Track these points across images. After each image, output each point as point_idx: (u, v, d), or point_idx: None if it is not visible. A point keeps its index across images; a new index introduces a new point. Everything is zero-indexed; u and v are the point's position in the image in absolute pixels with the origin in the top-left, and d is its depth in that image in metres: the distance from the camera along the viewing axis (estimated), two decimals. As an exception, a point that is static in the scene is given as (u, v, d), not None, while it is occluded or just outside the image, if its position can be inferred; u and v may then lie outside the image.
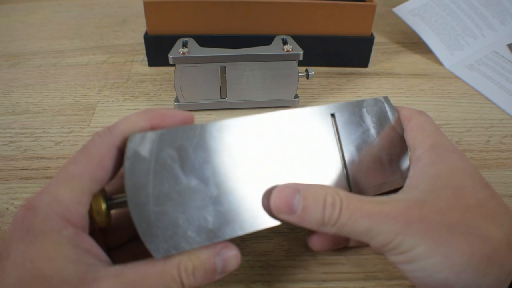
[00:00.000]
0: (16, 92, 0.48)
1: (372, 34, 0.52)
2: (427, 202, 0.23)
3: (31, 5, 0.74)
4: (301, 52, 0.42)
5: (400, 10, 0.60)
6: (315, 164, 0.26)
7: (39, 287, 0.19)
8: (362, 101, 0.29)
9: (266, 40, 0.46)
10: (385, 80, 0.52)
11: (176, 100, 0.44)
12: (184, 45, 0.43)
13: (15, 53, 0.57)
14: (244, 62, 0.42)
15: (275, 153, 0.25)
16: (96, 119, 0.44)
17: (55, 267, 0.19)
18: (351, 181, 0.27)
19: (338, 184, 0.27)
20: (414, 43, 0.61)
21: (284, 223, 0.24)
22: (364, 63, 0.54)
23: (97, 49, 0.58)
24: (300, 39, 0.46)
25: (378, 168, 0.28)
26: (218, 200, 0.23)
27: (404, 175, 0.29)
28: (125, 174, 0.21)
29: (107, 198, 0.23)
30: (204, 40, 0.48)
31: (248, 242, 0.30)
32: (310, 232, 0.28)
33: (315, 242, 0.28)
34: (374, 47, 0.54)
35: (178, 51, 0.41)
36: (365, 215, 0.22)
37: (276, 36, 0.46)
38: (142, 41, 0.53)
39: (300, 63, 0.43)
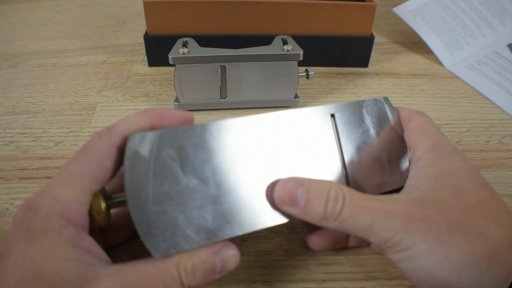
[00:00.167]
0: (16, 92, 0.48)
1: (372, 34, 0.52)
2: (428, 201, 0.23)
3: (31, 5, 0.74)
4: (301, 52, 0.42)
5: (400, 10, 0.60)
6: (314, 164, 0.26)
7: (39, 286, 0.19)
8: (362, 101, 0.29)
9: (266, 40, 0.46)
10: (385, 80, 0.52)
11: (176, 100, 0.44)
12: (184, 45, 0.43)
13: (15, 53, 0.57)
14: (244, 62, 0.42)
15: (275, 153, 0.25)
16: (96, 119, 0.44)
17: (55, 266, 0.19)
18: (351, 181, 0.27)
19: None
20: (414, 43, 0.61)
21: (286, 220, 0.24)
22: (364, 63, 0.54)
23: (97, 49, 0.58)
24: (300, 39, 0.46)
25: (377, 169, 0.28)
26: (218, 200, 0.23)
27: (403, 175, 0.29)
28: (125, 174, 0.21)
29: (107, 197, 0.23)
30: (204, 40, 0.48)
31: (248, 242, 0.30)
32: (310, 231, 0.28)
33: (314, 242, 0.28)
34: (374, 47, 0.54)
35: (178, 51, 0.41)
36: (366, 211, 0.22)
37: (276, 36, 0.46)
38: (142, 41, 0.53)
39: (300, 63, 0.43)
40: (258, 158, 0.24)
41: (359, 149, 0.28)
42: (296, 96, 0.45)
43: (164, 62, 0.44)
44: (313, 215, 0.23)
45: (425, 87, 0.51)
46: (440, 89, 0.50)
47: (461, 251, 0.21)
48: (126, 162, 0.21)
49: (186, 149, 0.23)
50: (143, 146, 0.22)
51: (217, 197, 0.23)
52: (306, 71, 0.44)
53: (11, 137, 0.41)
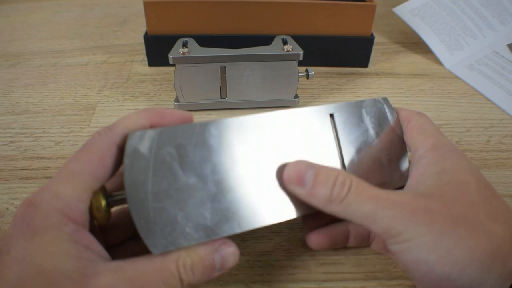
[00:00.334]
0: (16, 92, 0.48)
1: (372, 34, 0.52)
2: (433, 196, 0.23)
3: (31, 5, 0.74)
4: (301, 52, 0.42)
5: (400, 10, 0.60)
6: None
7: (39, 282, 0.19)
8: (361, 101, 0.29)
9: (266, 40, 0.46)
10: (385, 80, 0.52)
11: (176, 100, 0.44)
12: (184, 45, 0.43)
13: (15, 53, 0.57)
14: (244, 62, 0.42)
15: (274, 152, 0.25)
16: (96, 119, 0.44)
17: (55, 262, 0.19)
18: None
19: None
20: (414, 43, 0.61)
21: (285, 219, 0.24)
22: (364, 63, 0.54)
23: (97, 49, 0.58)
24: (300, 39, 0.46)
25: (377, 169, 0.28)
26: (217, 198, 0.23)
27: (403, 175, 0.29)
28: (124, 171, 0.21)
29: (107, 195, 0.23)
30: (204, 40, 0.48)
31: (248, 242, 0.30)
32: (309, 230, 0.28)
33: (313, 240, 0.28)
34: (374, 47, 0.54)
35: (178, 51, 0.41)
36: (372, 198, 0.22)
37: (276, 36, 0.46)
38: (142, 41, 0.53)
39: (300, 63, 0.43)
40: (257, 157, 0.24)
41: (358, 149, 0.28)
42: (296, 96, 0.45)
43: (164, 62, 0.44)
44: (318, 197, 0.23)
45: (425, 87, 0.51)
46: (440, 89, 0.50)
47: (464, 246, 0.21)
48: (126, 160, 0.21)
49: (185, 147, 0.23)
50: (143, 144, 0.22)
51: (216, 195, 0.23)
52: (306, 71, 0.44)
53: (11, 137, 0.41)
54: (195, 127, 0.23)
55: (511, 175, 0.37)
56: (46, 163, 0.38)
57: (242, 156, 0.24)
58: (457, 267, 0.21)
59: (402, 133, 0.29)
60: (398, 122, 0.29)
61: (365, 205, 0.22)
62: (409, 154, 0.29)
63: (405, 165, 0.29)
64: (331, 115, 0.28)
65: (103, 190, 0.23)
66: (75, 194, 0.21)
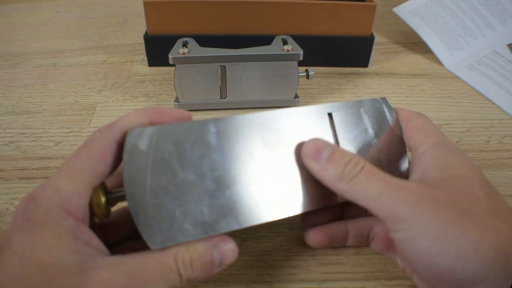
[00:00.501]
0: (16, 92, 0.48)
1: (372, 34, 0.52)
2: (439, 187, 0.23)
3: (31, 5, 0.74)
4: (301, 52, 0.42)
5: (400, 10, 0.60)
6: None
7: (38, 276, 0.19)
8: (360, 101, 0.29)
9: (266, 40, 0.46)
10: (385, 80, 0.52)
11: (176, 100, 0.44)
12: (184, 45, 0.43)
13: (15, 53, 0.57)
14: (244, 62, 0.42)
15: (272, 150, 0.25)
16: (96, 119, 0.44)
17: (55, 256, 0.20)
18: None
19: None
20: (414, 43, 0.61)
21: (284, 216, 0.25)
22: (364, 63, 0.54)
23: (97, 49, 0.58)
24: (300, 39, 0.46)
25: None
26: (215, 195, 0.23)
27: (403, 175, 0.29)
28: (123, 167, 0.22)
29: (107, 192, 0.24)
30: (204, 40, 0.48)
31: (248, 242, 0.31)
32: (307, 227, 0.28)
33: (312, 237, 0.28)
34: (374, 47, 0.54)
35: (178, 51, 0.41)
36: (380, 180, 0.23)
37: (276, 36, 0.46)
38: (142, 41, 0.53)
39: (300, 63, 0.43)
40: (255, 155, 0.25)
41: (356, 148, 0.28)
42: (296, 96, 0.45)
43: (164, 62, 0.44)
44: (330, 173, 0.24)
45: (425, 87, 0.51)
46: (440, 89, 0.50)
47: (469, 238, 0.21)
48: (125, 156, 0.22)
49: (184, 144, 0.23)
50: (142, 140, 0.22)
51: (214, 192, 0.23)
52: (306, 71, 0.44)
53: (11, 137, 0.41)
54: (194, 125, 0.24)
55: (511, 175, 0.37)
56: (46, 163, 0.38)
57: (240, 153, 0.24)
58: (461, 260, 0.21)
59: (401, 133, 0.29)
60: (397, 122, 0.29)
61: (373, 185, 0.23)
62: (408, 154, 0.29)
63: (404, 165, 0.29)
64: (330, 114, 0.28)
65: (103, 187, 0.23)
66: (75, 190, 0.21)
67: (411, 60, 0.57)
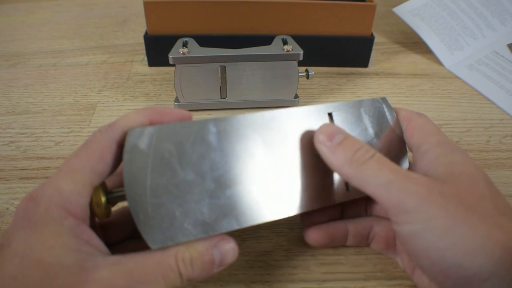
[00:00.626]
0: (16, 92, 0.48)
1: (372, 34, 0.52)
2: (446, 182, 0.23)
3: (31, 5, 0.74)
4: (301, 52, 0.42)
5: (400, 10, 0.60)
6: (311, 162, 0.26)
7: (38, 274, 0.19)
8: (360, 101, 0.29)
9: (266, 40, 0.46)
10: (385, 80, 0.52)
11: (176, 100, 0.44)
12: (184, 45, 0.43)
13: (15, 53, 0.57)
14: (244, 62, 0.42)
15: (272, 150, 0.25)
16: (96, 119, 0.44)
17: (55, 255, 0.20)
18: None
19: (334, 182, 0.27)
20: (414, 43, 0.61)
21: (284, 216, 0.25)
22: (364, 63, 0.54)
23: (97, 49, 0.58)
24: (300, 39, 0.46)
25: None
26: (215, 194, 0.23)
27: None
28: (123, 167, 0.22)
29: (107, 191, 0.24)
30: (204, 40, 0.48)
31: (248, 242, 0.31)
32: (307, 226, 0.28)
33: (311, 236, 0.28)
34: (374, 47, 0.54)
35: (178, 51, 0.41)
36: (390, 169, 0.23)
37: (276, 36, 0.46)
38: (142, 41, 0.53)
39: (300, 63, 0.43)
40: (255, 155, 0.25)
41: None
42: (296, 96, 0.45)
43: (164, 62, 0.44)
44: (339, 157, 0.24)
45: (425, 87, 0.51)
46: (440, 89, 0.50)
47: (477, 234, 0.21)
48: (125, 155, 0.22)
49: (184, 144, 0.23)
50: (142, 140, 0.22)
51: (214, 191, 0.23)
52: (306, 71, 0.44)
53: (11, 137, 0.41)
54: (194, 124, 0.24)
55: (511, 175, 0.37)
56: (46, 163, 0.38)
57: (240, 153, 0.24)
58: (469, 255, 0.21)
59: (402, 133, 0.29)
60: (397, 122, 0.29)
61: (382, 174, 0.22)
62: (409, 154, 0.29)
63: (405, 165, 0.29)
64: (330, 114, 0.28)
65: (103, 187, 0.23)
66: (75, 189, 0.21)
67: (411, 60, 0.57)
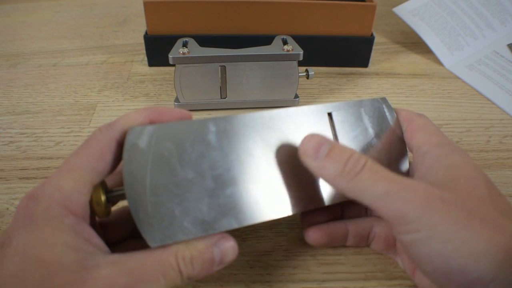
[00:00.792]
0: (16, 92, 0.48)
1: (372, 34, 0.52)
2: (446, 187, 0.23)
3: (31, 5, 0.74)
4: (301, 52, 0.42)
5: (400, 10, 0.60)
6: None
7: (39, 273, 0.19)
8: (360, 101, 0.29)
9: (266, 40, 0.46)
10: (385, 80, 0.52)
11: (176, 100, 0.44)
12: (184, 45, 0.43)
13: (15, 53, 0.57)
14: (244, 62, 0.42)
15: (272, 149, 0.25)
16: (96, 119, 0.44)
17: (55, 253, 0.20)
18: None
19: None
20: (414, 43, 0.61)
21: (284, 215, 0.24)
22: (364, 63, 0.54)
23: (97, 49, 0.58)
24: (300, 39, 0.46)
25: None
26: (215, 193, 0.23)
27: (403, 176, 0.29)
28: (123, 166, 0.22)
29: (107, 190, 0.24)
30: (204, 40, 0.48)
31: (248, 242, 0.30)
32: (307, 225, 0.28)
33: (311, 235, 0.28)
34: (374, 47, 0.54)
35: (178, 51, 0.41)
36: (386, 179, 0.22)
37: (276, 36, 0.46)
38: (142, 41, 0.53)
39: (300, 63, 0.43)
40: (255, 154, 0.25)
41: (357, 148, 0.28)
42: (296, 96, 0.45)
43: (164, 62, 0.44)
44: (330, 170, 0.23)
45: (425, 87, 0.51)
46: (440, 89, 0.50)
47: (479, 238, 0.21)
48: (125, 154, 0.22)
49: (183, 143, 0.23)
50: (142, 139, 0.22)
51: (214, 190, 0.23)
52: (306, 71, 0.44)
53: (11, 137, 0.41)
54: (194, 124, 0.24)
55: (511, 175, 0.37)
56: (46, 163, 0.38)
57: (240, 152, 0.24)
58: (473, 259, 0.21)
59: (402, 133, 0.29)
60: (397, 122, 0.29)
61: (378, 184, 0.22)
62: (409, 154, 0.29)
63: (405, 165, 0.29)
64: (329, 114, 0.28)
65: (103, 185, 0.23)
66: (75, 187, 0.21)
67: (411, 60, 0.57)
